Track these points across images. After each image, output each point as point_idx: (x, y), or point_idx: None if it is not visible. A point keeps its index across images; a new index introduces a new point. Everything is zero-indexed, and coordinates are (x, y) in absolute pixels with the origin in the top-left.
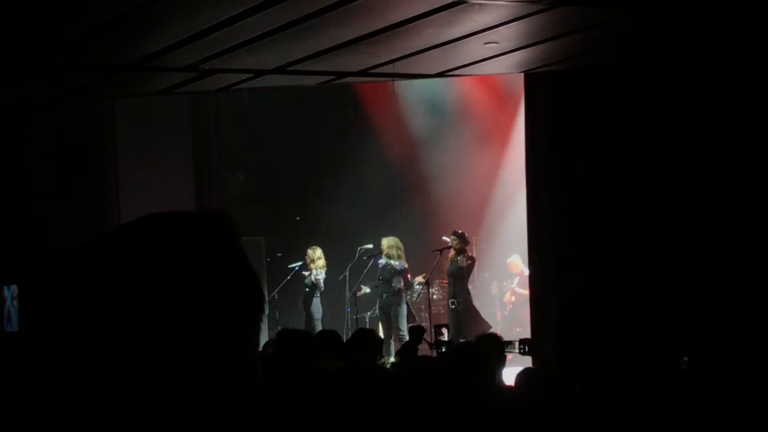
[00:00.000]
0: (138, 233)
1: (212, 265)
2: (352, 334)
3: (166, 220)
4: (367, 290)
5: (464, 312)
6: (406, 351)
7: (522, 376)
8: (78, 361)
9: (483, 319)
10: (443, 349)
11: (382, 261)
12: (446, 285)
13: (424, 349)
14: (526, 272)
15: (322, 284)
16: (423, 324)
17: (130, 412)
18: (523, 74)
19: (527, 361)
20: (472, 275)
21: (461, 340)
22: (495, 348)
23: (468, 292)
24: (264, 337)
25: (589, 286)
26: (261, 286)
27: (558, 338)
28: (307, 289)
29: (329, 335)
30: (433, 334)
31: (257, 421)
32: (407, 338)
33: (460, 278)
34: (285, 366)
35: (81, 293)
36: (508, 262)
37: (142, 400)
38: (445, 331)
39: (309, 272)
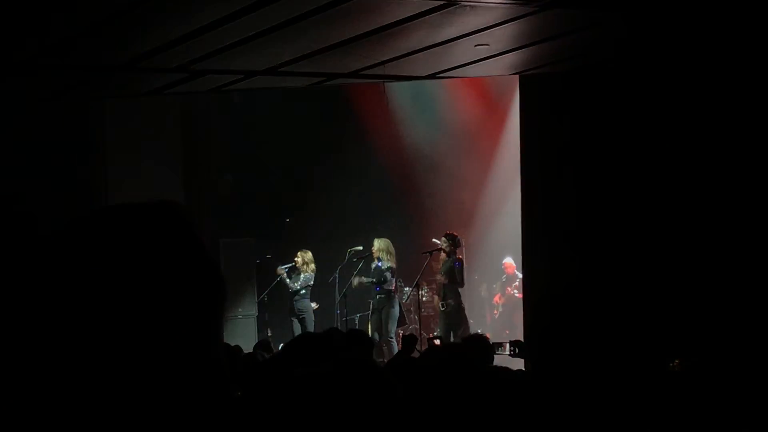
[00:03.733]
0: (93, 226)
1: (170, 254)
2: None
3: (119, 211)
4: (364, 279)
5: (454, 314)
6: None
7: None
8: (31, 355)
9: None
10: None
11: (375, 263)
12: (434, 287)
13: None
14: (520, 275)
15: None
16: (413, 326)
17: (87, 404)
18: (514, 76)
19: (519, 364)
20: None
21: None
22: (481, 350)
23: (458, 295)
24: (253, 339)
25: (554, 296)
26: (221, 273)
27: (531, 346)
28: (299, 292)
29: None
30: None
31: (219, 411)
32: (393, 343)
33: (450, 280)
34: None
35: (35, 287)
36: (503, 262)
37: (100, 392)
38: (438, 342)
39: (286, 271)
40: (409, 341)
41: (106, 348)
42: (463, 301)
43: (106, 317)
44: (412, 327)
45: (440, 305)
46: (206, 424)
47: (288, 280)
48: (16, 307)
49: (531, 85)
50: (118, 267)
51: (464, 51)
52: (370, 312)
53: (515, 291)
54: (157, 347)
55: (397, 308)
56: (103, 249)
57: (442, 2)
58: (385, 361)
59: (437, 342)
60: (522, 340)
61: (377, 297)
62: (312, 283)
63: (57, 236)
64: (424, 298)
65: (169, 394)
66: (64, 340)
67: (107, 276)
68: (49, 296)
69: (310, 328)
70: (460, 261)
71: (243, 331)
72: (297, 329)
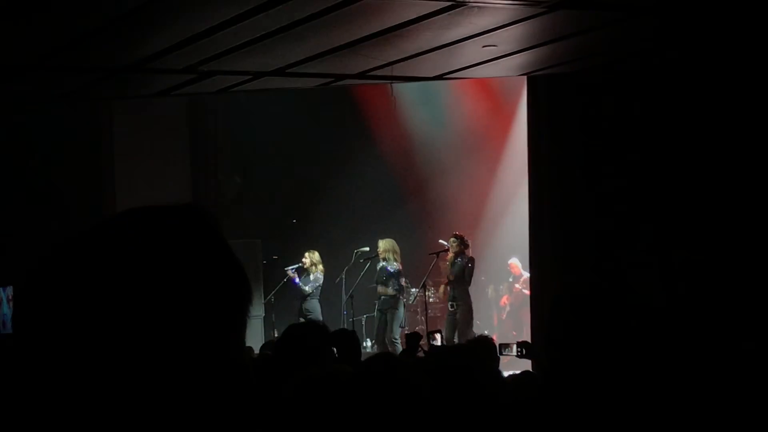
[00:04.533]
0: (120, 228)
1: (197, 257)
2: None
3: (147, 213)
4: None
5: (464, 315)
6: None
7: (516, 380)
8: (61, 358)
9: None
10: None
11: (380, 264)
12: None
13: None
14: (525, 274)
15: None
16: (419, 327)
17: (113, 408)
18: (522, 77)
19: (527, 365)
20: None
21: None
22: (487, 351)
23: (468, 296)
24: (260, 340)
25: (576, 294)
26: (246, 276)
27: (549, 345)
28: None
29: (346, 335)
30: (427, 340)
31: (242, 417)
32: (398, 345)
33: (460, 282)
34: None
35: (64, 290)
36: (509, 263)
37: (126, 396)
38: (438, 336)
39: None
40: (413, 339)
41: (127, 350)
42: (472, 303)
43: (130, 318)
44: (419, 328)
45: (449, 305)
46: (226, 424)
47: (299, 283)
48: (39, 308)
49: (539, 85)
50: (145, 268)
51: (472, 52)
52: (375, 313)
53: (523, 288)
54: (181, 348)
55: (401, 310)
56: (129, 251)
57: (449, 3)
58: None
59: (437, 336)
60: (529, 340)
61: (381, 299)
62: (321, 283)
63: (81, 238)
64: (430, 299)
65: (191, 394)
66: (86, 342)
67: (133, 277)
68: (72, 297)
69: None
70: (473, 260)
71: (249, 332)
72: None
